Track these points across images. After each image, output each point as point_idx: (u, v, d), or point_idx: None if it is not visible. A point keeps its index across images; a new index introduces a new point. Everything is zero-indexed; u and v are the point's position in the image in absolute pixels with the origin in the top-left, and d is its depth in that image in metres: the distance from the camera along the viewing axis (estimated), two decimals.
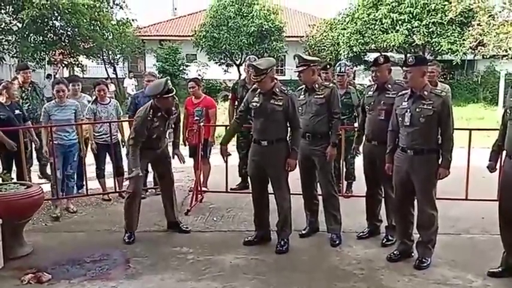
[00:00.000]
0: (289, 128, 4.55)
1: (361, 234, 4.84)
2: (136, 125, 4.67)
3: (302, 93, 4.78)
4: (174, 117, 4.92)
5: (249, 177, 4.90)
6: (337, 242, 4.67)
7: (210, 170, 6.54)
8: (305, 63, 4.64)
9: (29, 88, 6.65)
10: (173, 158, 5.10)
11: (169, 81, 4.69)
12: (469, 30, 18.04)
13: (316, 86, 4.67)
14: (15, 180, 5.25)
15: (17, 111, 5.74)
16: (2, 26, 16.50)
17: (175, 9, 33.17)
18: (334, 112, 4.63)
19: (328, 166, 4.72)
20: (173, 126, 5.07)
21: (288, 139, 4.55)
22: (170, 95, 4.62)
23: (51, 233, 5.08)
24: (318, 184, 4.87)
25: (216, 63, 22.54)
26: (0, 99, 5.67)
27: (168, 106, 4.71)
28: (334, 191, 4.78)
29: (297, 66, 4.69)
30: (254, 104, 4.51)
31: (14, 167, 5.81)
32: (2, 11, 17.06)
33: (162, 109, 4.68)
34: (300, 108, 4.68)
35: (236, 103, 6.46)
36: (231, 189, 6.33)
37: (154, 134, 4.73)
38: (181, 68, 21.64)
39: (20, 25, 17.09)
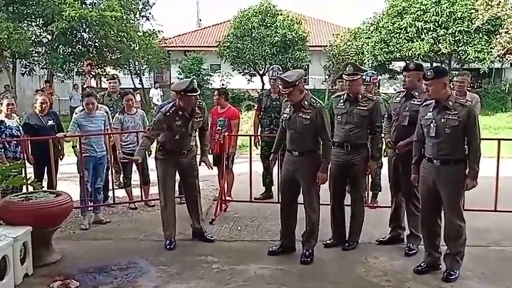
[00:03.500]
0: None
1: (381, 239, 4.84)
2: (156, 117, 4.76)
3: (342, 101, 4.74)
4: (200, 122, 4.88)
5: (280, 183, 4.87)
6: (350, 247, 4.73)
7: (233, 180, 6.58)
8: (360, 71, 4.66)
9: (116, 98, 6.80)
10: (200, 164, 5.10)
11: (195, 81, 4.68)
12: (496, 38, 17.73)
13: (360, 97, 4.65)
14: (45, 188, 5.37)
15: (50, 122, 5.87)
16: (33, 38, 16.92)
17: (200, 20, 33.68)
18: (376, 126, 4.65)
19: (361, 177, 4.77)
20: (198, 131, 5.07)
21: (319, 151, 4.47)
22: (194, 94, 4.61)
23: (79, 241, 5.17)
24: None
25: (240, 73, 22.65)
26: (36, 110, 5.84)
27: (190, 106, 4.70)
28: (361, 200, 4.84)
29: (348, 74, 4.62)
30: (285, 115, 4.52)
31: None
32: (33, 24, 17.54)
33: (184, 108, 4.68)
34: (340, 117, 4.69)
35: (261, 113, 6.52)
36: (255, 198, 6.32)
37: (177, 134, 4.72)
38: (205, 78, 21.85)
39: (49, 37, 17.53)
